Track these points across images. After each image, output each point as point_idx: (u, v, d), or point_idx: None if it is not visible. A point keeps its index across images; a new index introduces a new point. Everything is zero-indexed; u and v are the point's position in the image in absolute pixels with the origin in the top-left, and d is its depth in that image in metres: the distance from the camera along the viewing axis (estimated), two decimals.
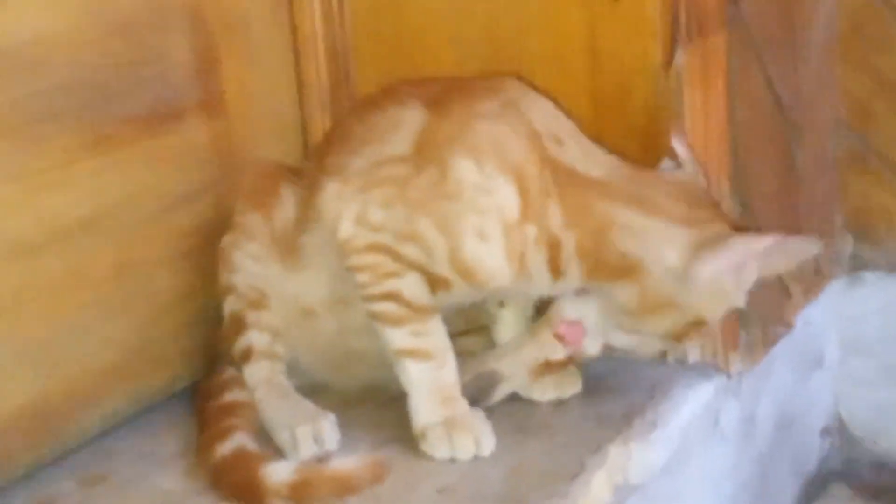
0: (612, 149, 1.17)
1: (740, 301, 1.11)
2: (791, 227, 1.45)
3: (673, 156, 1.16)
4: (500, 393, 1.16)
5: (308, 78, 1.38)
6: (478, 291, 1.14)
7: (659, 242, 1.08)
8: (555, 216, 1.09)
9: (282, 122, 1.37)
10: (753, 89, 1.34)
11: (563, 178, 1.10)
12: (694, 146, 1.22)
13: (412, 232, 1.11)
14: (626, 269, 1.09)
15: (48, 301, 1.11)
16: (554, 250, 1.10)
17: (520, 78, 1.16)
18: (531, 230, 1.09)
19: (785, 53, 1.41)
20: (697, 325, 1.11)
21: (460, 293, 1.13)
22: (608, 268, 1.09)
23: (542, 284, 1.12)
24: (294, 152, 1.37)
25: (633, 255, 1.08)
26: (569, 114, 1.15)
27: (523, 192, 1.09)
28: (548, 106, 1.15)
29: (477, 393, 1.14)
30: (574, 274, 1.10)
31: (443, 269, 1.11)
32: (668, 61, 1.20)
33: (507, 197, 1.09)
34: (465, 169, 1.09)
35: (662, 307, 1.09)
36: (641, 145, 1.20)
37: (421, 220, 1.10)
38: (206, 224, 1.26)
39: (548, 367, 1.16)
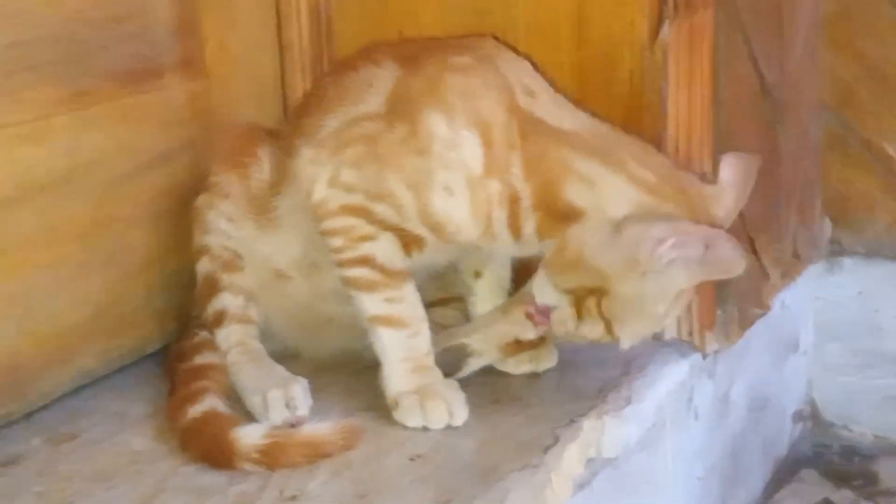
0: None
1: (653, 294, 1.04)
2: (771, 208, 1.45)
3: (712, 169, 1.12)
4: (470, 368, 1.15)
5: (289, 40, 1.37)
6: (451, 250, 1.13)
7: (611, 195, 1.05)
8: (516, 168, 1.07)
9: (262, 84, 1.35)
10: (738, 68, 1.33)
11: (530, 129, 1.08)
12: (677, 122, 1.22)
13: (382, 190, 1.10)
14: (566, 219, 1.06)
15: (21, 256, 1.09)
16: (514, 206, 1.08)
17: (498, 40, 1.15)
18: (495, 186, 1.08)
19: (771, 33, 1.41)
20: (600, 296, 1.05)
21: (434, 252, 1.12)
22: (554, 220, 1.06)
23: (505, 244, 1.10)
24: (274, 115, 1.35)
25: (579, 205, 1.05)
26: (554, 85, 1.14)
27: (487, 145, 1.07)
28: (524, 64, 1.14)
29: (446, 366, 1.13)
30: (530, 232, 1.08)
31: (414, 225, 1.10)
32: (655, 35, 1.19)
33: (472, 150, 1.08)
34: (434, 123, 1.08)
35: (573, 265, 1.06)
36: (625, 119, 1.19)
37: (391, 178, 1.09)
38: (181, 185, 1.24)
39: (518, 346, 1.16)
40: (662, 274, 1.03)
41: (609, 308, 1.05)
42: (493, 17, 1.25)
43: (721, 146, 1.30)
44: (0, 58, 1.06)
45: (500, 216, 1.08)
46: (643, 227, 1.02)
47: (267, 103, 1.35)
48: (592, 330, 1.07)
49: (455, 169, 1.08)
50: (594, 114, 1.11)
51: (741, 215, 1.34)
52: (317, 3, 1.35)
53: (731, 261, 1.03)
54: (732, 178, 1.10)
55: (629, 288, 1.04)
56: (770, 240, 1.43)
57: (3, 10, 1.06)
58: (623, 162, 1.06)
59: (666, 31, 1.18)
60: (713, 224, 1.05)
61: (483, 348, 1.15)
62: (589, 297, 1.05)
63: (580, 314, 1.06)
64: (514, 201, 1.08)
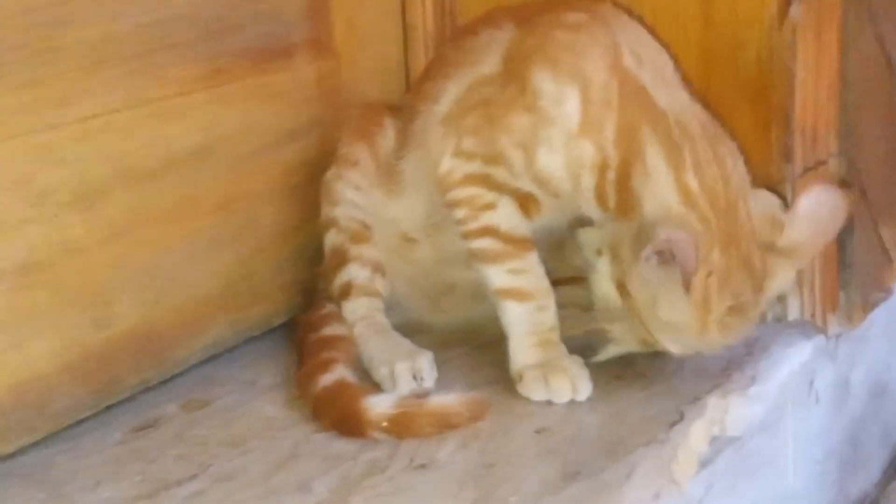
0: (721, 102, 1.15)
1: (652, 300, 1.04)
2: (895, 192, 1.43)
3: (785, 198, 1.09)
4: (608, 353, 1.14)
5: (413, 20, 1.39)
6: (570, 210, 1.12)
7: (653, 193, 1.04)
8: (609, 131, 1.07)
9: (386, 63, 1.38)
10: (865, 48, 1.31)
11: (629, 94, 1.07)
12: (805, 102, 1.21)
13: (496, 152, 1.11)
14: (630, 208, 1.05)
15: (159, 228, 1.13)
16: (602, 174, 1.07)
17: (616, 4, 1.15)
18: (587, 148, 1.07)
19: None
20: (625, 291, 1.06)
21: (552, 213, 1.13)
22: (624, 203, 1.06)
23: (596, 215, 1.09)
24: (397, 93, 1.37)
25: (636, 194, 1.05)
26: (680, 64, 1.14)
27: (586, 102, 1.07)
28: (640, 30, 1.13)
29: (583, 348, 1.13)
30: (611, 207, 1.08)
31: (524, 183, 1.11)
32: (783, 15, 1.18)
33: (572, 107, 1.08)
34: (541, 80, 1.09)
35: (618, 251, 1.06)
36: (751, 100, 1.19)
37: (502, 138, 1.11)
38: (310, 161, 1.27)
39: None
40: (652, 281, 1.03)
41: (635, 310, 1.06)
42: None
43: (846, 127, 1.29)
44: (143, 35, 1.09)
45: (588, 183, 1.08)
46: (650, 229, 1.01)
47: (391, 82, 1.38)
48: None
49: (557, 124, 1.08)
50: (695, 97, 1.10)
51: (865, 197, 1.33)
52: None
53: (706, 304, 1.02)
54: (812, 211, 1.06)
55: (637, 291, 1.05)
56: (894, 223, 1.41)
57: None
58: (681, 163, 1.04)
59: (795, 10, 1.17)
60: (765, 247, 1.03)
61: (624, 338, 1.13)
62: (621, 289, 1.06)
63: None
64: (603, 169, 1.07)
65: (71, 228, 1.05)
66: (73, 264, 1.05)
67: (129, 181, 1.09)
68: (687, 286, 1.01)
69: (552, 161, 1.09)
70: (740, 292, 1.04)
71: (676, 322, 1.05)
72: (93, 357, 1.08)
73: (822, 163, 1.26)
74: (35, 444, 1.05)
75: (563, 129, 1.08)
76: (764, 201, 1.08)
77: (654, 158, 1.05)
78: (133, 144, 1.09)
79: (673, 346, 1.08)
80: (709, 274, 1.03)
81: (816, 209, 1.07)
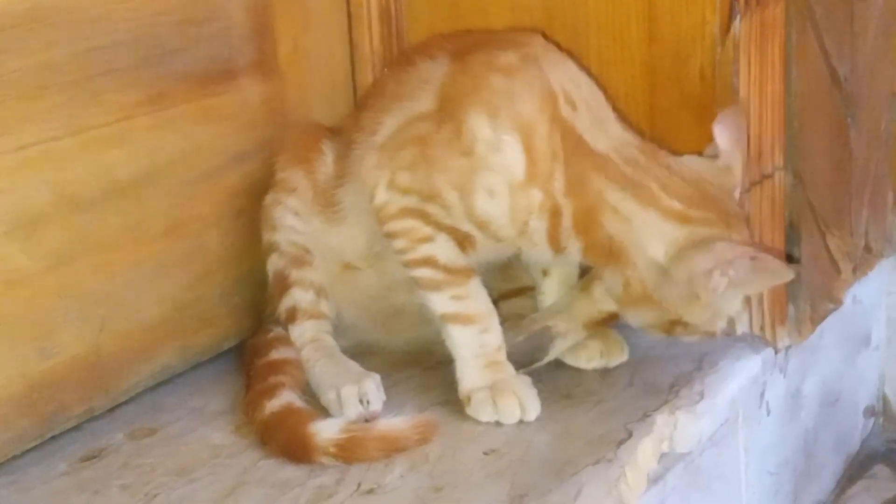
0: (666, 117, 1.16)
1: (722, 310, 1.09)
2: (843, 202, 1.44)
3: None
4: (557, 349, 1.17)
5: (360, 41, 1.38)
6: (505, 248, 1.14)
7: (644, 234, 1.07)
8: (559, 181, 1.08)
9: (333, 84, 1.37)
10: (810, 61, 1.33)
11: (571, 144, 1.09)
12: (749, 117, 1.22)
13: (432, 191, 1.11)
14: (613, 254, 1.08)
15: (103, 255, 1.12)
16: (554, 219, 1.09)
17: (545, 37, 1.16)
18: (536, 195, 1.09)
19: (842, 26, 1.40)
20: (681, 325, 1.09)
21: (488, 251, 1.14)
22: (600, 249, 1.09)
23: (544, 254, 1.12)
24: (344, 113, 1.36)
25: (619, 241, 1.07)
26: (623, 82, 1.15)
27: (530, 153, 1.08)
28: (570, 66, 1.14)
29: (534, 351, 1.15)
30: (573, 251, 1.10)
31: (462, 224, 1.12)
32: (726, 30, 1.19)
33: (514, 156, 1.08)
34: (478, 126, 1.09)
35: (644, 301, 1.09)
36: (696, 115, 1.20)
37: (438, 178, 1.11)
38: (257, 184, 1.26)
39: (600, 321, 1.16)
40: (723, 297, 1.06)
41: (689, 330, 1.10)
42: (564, 15, 1.25)
43: (792, 141, 1.30)
44: (81, 62, 1.08)
45: (539, 226, 1.10)
46: (687, 264, 1.05)
47: (338, 102, 1.37)
48: None
49: (497, 171, 1.09)
50: (623, 121, 1.13)
51: (812, 209, 1.34)
52: (387, 3, 1.37)
53: (778, 269, 1.07)
54: (730, 141, 1.12)
55: (698, 317, 1.08)
56: (842, 234, 1.42)
57: (84, 14, 1.09)
58: (651, 193, 1.07)
59: (737, 26, 1.18)
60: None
61: (568, 327, 1.16)
62: (677, 328, 1.10)
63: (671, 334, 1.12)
64: (554, 214, 1.09)
65: (11, 258, 1.04)
66: (14, 294, 1.04)
67: (71, 209, 1.08)
68: (760, 269, 1.05)
69: (493, 206, 1.10)
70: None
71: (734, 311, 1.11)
72: (37, 387, 1.07)
73: (768, 176, 1.26)
74: None
75: (505, 177, 1.09)
76: (699, 163, 1.12)
77: (625, 203, 1.07)
78: (74, 172, 1.08)
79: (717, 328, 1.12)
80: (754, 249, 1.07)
81: (731, 138, 1.12)
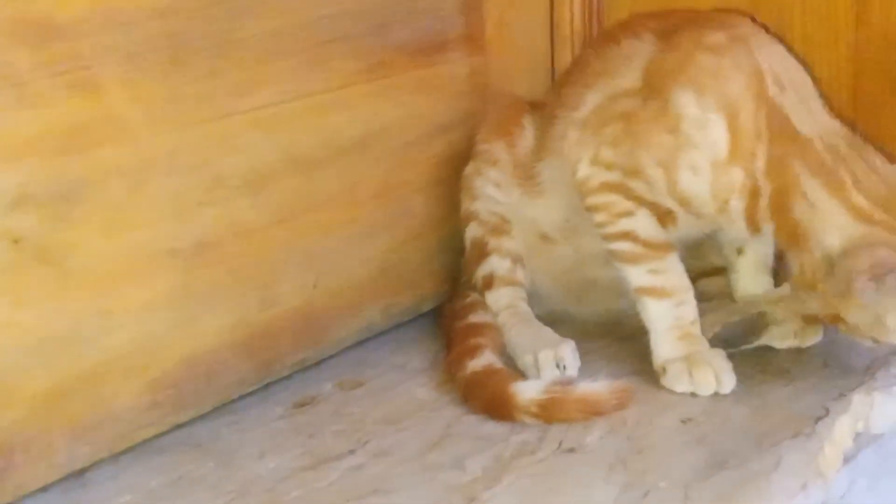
0: (871, 102, 1.16)
1: (884, 318, 1.07)
2: None
3: None
4: (770, 335, 1.18)
5: (561, 20, 1.42)
6: (705, 224, 1.16)
7: (825, 223, 1.07)
8: (760, 161, 1.10)
9: (534, 60, 1.41)
10: None
11: (776, 125, 1.10)
12: None
13: (636, 166, 1.14)
14: (798, 239, 1.09)
15: (321, 214, 1.18)
16: (753, 199, 1.10)
17: (754, 20, 1.17)
18: (738, 174, 1.10)
19: None
20: (843, 322, 1.09)
21: (688, 227, 1.16)
22: (788, 232, 1.09)
23: (742, 233, 1.13)
24: (542, 90, 1.40)
25: (804, 227, 1.08)
26: (829, 64, 1.16)
27: (734, 131, 1.10)
28: (779, 49, 1.15)
29: (742, 334, 1.16)
30: (768, 232, 1.11)
31: (665, 200, 1.14)
32: None
33: (718, 135, 1.10)
34: (684, 103, 1.11)
35: (811, 288, 1.09)
36: None
37: (643, 155, 1.13)
38: (459, 154, 1.31)
39: (817, 317, 1.16)
40: (878, 303, 1.06)
41: (853, 330, 1.09)
42: None
43: None
44: (310, 29, 1.14)
45: (737, 206, 1.11)
46: (850, 260, 1.05)
47: (537, 78, 1.41)
48: None
49: (701, 149, 1.11)
50: (832, 111, 1.12)
51: None
52: None
53: None
54: None
55: (856, 317, 1.08)
56: None
57: None
58: (843, 185, 1.07)
59: None
60: None
61: (786, 316, 1.17)
62: (835, 320, 1.10)
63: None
64: (754, 195, 1.10)
65: (241, 212, 1.10)
66: (242, 246, 1.11)
67: (295, 169, 1.14)
68: None
69: (696, 184, 1.12)
70: None
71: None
72: (257, 335, 1.13)
73: None
74: (204, 416, 1.11)
75: (709, 155, 1.11)
76: None
77: (815, 191, 1.08)
78: (299, 134, 1.14)
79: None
80: None
81: None
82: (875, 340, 1.10)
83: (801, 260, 1.09)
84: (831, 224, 1.07)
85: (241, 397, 1.14)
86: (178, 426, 1.08)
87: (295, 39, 1.12)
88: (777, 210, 1.10)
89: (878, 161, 1.10)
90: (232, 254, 1.10)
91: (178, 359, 1.06)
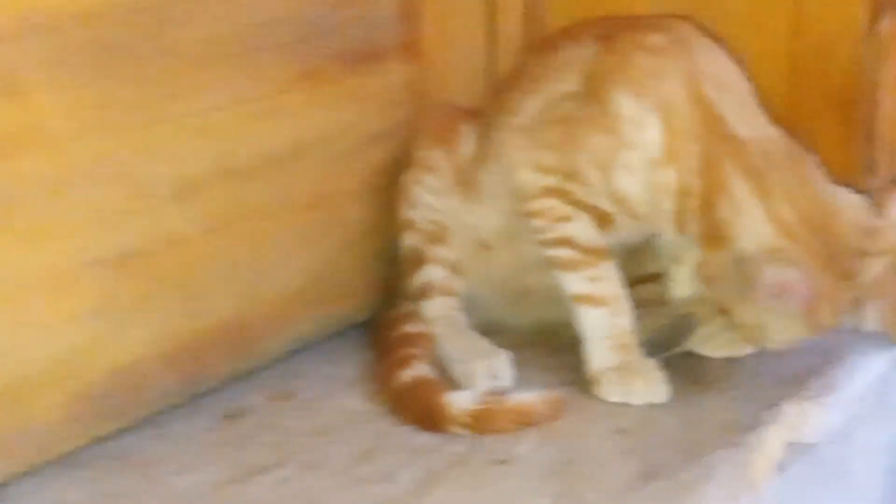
0: (806, 112, 1.16)
1: (769, 326, 1.09)
2: None
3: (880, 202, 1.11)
4: (700, 340, 1.18)
5: (500, 26, 1.41)
6: (642, 228, 1.16)
7: (748, 227, 1.07)
8: (694, 160, 1.10)
9: (473, 68, 1.40)
10: None
11: (711, 125, 1.10)
12: (886, 119, 1.22)
13: (574, 169, 1.14)
14: (718, 240, 1.09)
15: (254, 224, 1.16)
16: (683, 200, 1.10)
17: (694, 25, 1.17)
18: (671, 176, 1.10)
19: None
20: (726, 315, 1.11)
21: (625, 231, 1.16)
22: (711, 234, 1.09)
23: (669, 235, 1.14)
24: (481, 97, 1.39)
25: (726, 228, 1.08)
26: (765, 75, 1.16)
27: (670, 131, 1.10)
28: (719, 53, 1.15)
29: (672, 335, 1.16)
30: (691, 235, 1.11)
31: (603, 202, 1.14)
32: (872, 27, 1.19)
33: (654, 133, 1.11)
34: (622, 103, 1.12)
35: (709, 280, 1.10)
36: (836, 111, 1.20)
37: (581, 157, 1.13)
38: (395, 163, 1.30)
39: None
40: (769, 313, 1.07)
41: (732, 327, 1.11)
42: (707, 4, 1.26)
43: None
44: (242, 36, 1.13)
45: (667, 207, 1.12)
46: (758, 269, 1.06)
47: (477, 86, 1.40)
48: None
49: (638, 149, 1.11)
50: (771, 120, 1.12)
51: None
52: None
53: (816, 329, 1.08)
54: None
55: (743, 316, 1.09)
56: None
57: None
58: (770, 193, 1.07)
59: (885, 22, 1.18)
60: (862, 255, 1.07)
61: (710, 315, 1.16)
62: (719, 312, 1.11)
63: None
64: (684, 196, 1.11)
65: (171, 220, 1.08)
66: (170, 255, 1.09)
67: (227, 177, 1.13)
68: (806, 315, 1.06)
69: (631, 183, 1.12)
70: (846, 301, 1.08)
71: (791, 336, 1.10)
72: (185, 346, 1.11)
73: None
74: (128, 429, 1.08)
75: (643, 154, 1.11)
76: (850, 204, 1.10)
77: (741, 191, 1.08)
78: (231, 142, 1.13)
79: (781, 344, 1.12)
80: (819, 299, 1.06)
81: None
82: (752, 341, 1.12)
83: (706, 255, 1.10)
84: (751, 230, 1.07)
85: (169, 409, 1.12)
86: (101, 439, 1.06)
87: (226, 46, 1.11)
88: (704, 209, 1.10)
89: (818, 178, 1.10)
90: (159, 263, 1.08)
91: (101, 371, 1.04)
